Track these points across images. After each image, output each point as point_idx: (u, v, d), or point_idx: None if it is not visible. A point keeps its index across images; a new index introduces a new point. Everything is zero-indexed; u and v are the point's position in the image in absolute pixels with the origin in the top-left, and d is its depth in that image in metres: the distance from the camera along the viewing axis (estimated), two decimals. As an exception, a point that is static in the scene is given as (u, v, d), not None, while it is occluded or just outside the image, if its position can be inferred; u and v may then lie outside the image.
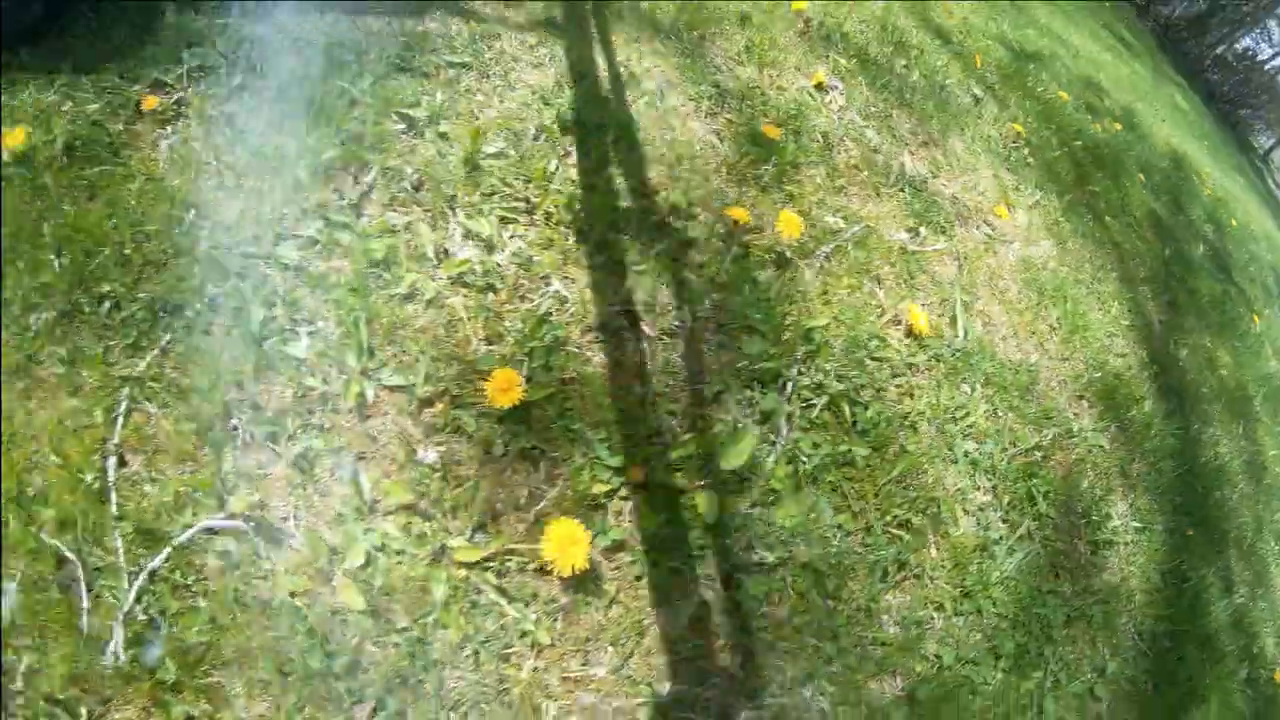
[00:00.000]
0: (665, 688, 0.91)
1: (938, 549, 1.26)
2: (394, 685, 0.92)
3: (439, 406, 1.04)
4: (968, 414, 1.49)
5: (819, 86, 2.13)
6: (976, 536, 1.33)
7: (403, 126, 1.46)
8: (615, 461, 0.99)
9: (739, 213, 1.38)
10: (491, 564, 0.94)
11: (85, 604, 0.97)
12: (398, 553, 0.94)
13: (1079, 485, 1.63)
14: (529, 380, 1.06)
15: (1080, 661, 1.33)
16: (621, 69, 1.75)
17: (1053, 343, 1.94)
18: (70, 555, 1.00)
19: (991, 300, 1.88)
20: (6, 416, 1.08)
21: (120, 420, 1.09)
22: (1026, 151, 2.71)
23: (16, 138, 1.36)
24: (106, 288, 1.18)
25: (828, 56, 2.30)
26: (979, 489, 1.40)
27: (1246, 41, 10.98)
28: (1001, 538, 1.36)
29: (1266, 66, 11.13)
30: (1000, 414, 1.57)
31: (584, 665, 0.90)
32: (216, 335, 1.17)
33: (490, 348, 1.10)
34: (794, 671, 0.98)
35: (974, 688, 1.12)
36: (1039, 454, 1.57)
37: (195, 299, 1.19)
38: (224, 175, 1.35)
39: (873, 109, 2.23)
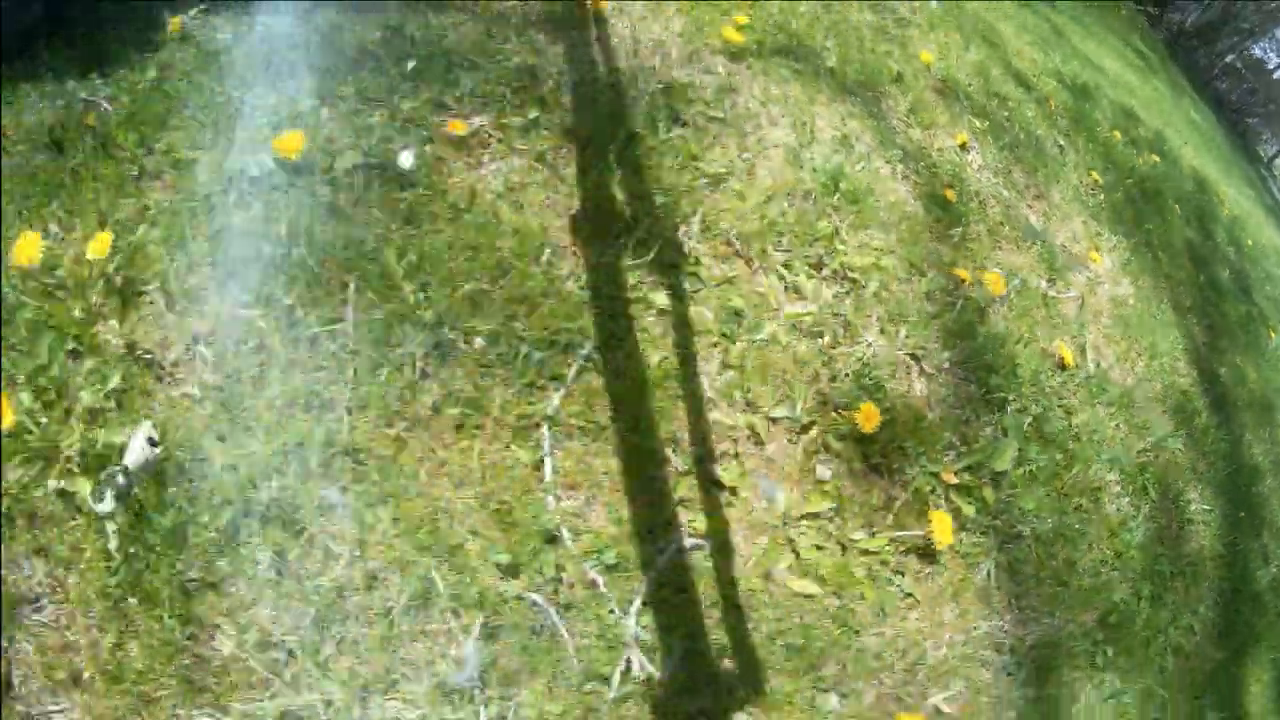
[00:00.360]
0: (983, 626, 1.42)
1: (1098, 525, 1.79)
2: (832, 646, 1.25)
3: (813, 433, 1.47)
4: (1103, 427, 2.01)
5: (963, 146, 2.60)
6: (1118, 516, 1.86)
7: (704, 180, 1.75)
8: (935, 469, 1.49)
9: (962, 273, 1.87)
10: (878, 551, 1.40)
11: (569, 639, 1.06)
12: (820, 548, 1.34)
13: (1169, 479, 2.17)
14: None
15: (1184, 605, 1.89)
16: (835, 131, 2.20)
17: (1139, 367, 2.47)
18: (535, 597, 1.08)
19: (1099, 334, 2.40)
20: (372, 455, 1.10)
21: (547, 459, 1.19)
22: (1101, 198, 3.22)
23: (293, 143, 1.29)
24: (477, 324, 1.26)
25: (963, 117, 2.77)
26: (1115, 482, 1.94)
27: (1256, 51, 11.52)
28: (1131, 517, 1.90)
29: (1276, 75, 11.66)
30: (1120, 426, 2.10)
31: (940, 614, 1.39)
32: (613, 374, 1.34)
33: (834, 384, 1.57)
34: (1043, 608, 1.51)
35: (1134, 618, 1.67)
36: (1147, 455, 2.10)
37: (581, 338, 1.35)
38: (558, 214, 1.52)
39: (998, 166, 2.71)
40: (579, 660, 1.07)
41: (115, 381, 1.12)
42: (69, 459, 1.05)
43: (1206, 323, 3.29)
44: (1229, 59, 11.49)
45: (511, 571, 1.09)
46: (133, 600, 0.97)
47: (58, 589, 1.01)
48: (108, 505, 1.01)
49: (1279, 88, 11.48)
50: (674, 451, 1.35)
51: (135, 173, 1.30)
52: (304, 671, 0.95)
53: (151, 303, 1.20)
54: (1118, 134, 4.17)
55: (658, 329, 1.49)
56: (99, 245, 1.21)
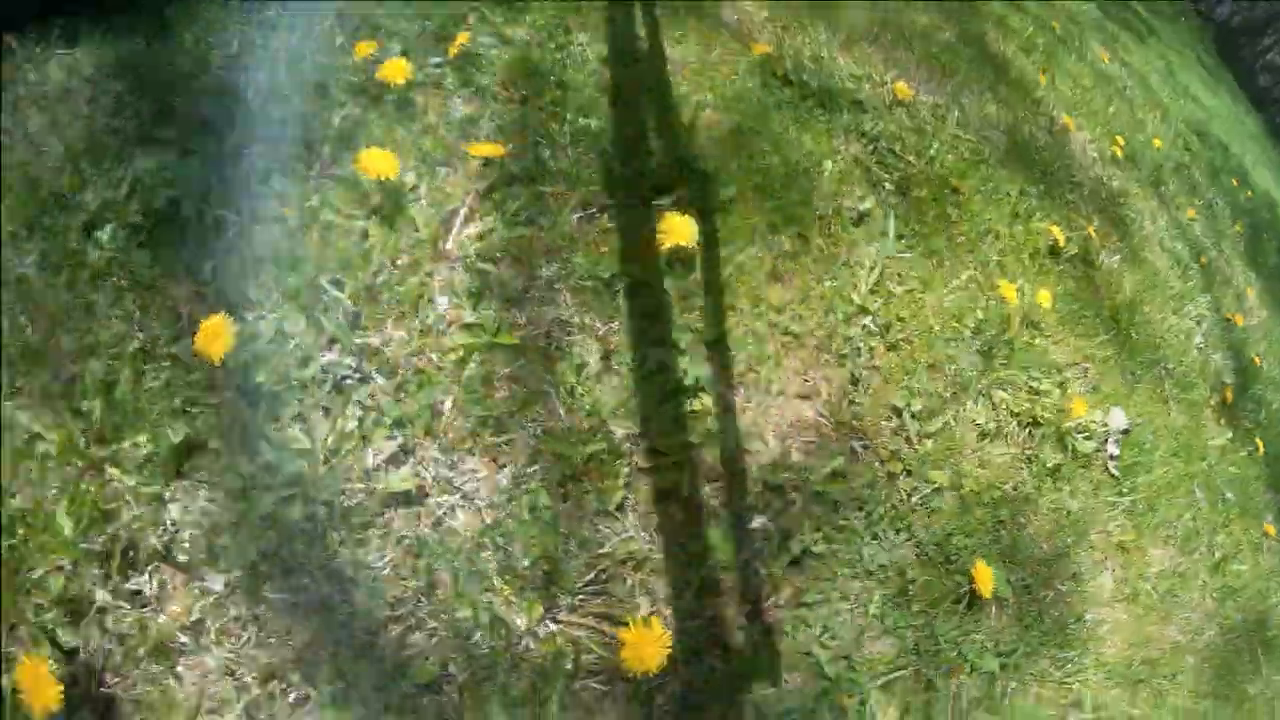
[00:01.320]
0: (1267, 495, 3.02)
1: (1281, 462, 3.42)
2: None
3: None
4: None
5: (1191, 219, 4.06)
6: (1286, 457, 3.50)
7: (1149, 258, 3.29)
8: (1243, 421, 3.07)
9: (1226, 314, 3.40)
10: (1239, 449, 2.97)
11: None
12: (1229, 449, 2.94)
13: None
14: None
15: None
16: (1161, 219, 3.63)
17: None
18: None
19: (1263, 349, 3.98)
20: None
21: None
22: (1242, 246, 4.74)
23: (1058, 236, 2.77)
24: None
25: (1190, 195, 4.21)
26: (1282, 438, 3.56)
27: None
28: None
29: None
30: (1280, 405, 3.72)
31: (1248, 490, 3.00)
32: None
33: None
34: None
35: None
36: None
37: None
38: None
39: (1206, 233, 4.18)
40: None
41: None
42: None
43: (1293, 331, 4.92)
44: (1270, 55, 12.69)
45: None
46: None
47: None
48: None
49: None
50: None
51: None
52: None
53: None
54: (1235, 180, 5.65)
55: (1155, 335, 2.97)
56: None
